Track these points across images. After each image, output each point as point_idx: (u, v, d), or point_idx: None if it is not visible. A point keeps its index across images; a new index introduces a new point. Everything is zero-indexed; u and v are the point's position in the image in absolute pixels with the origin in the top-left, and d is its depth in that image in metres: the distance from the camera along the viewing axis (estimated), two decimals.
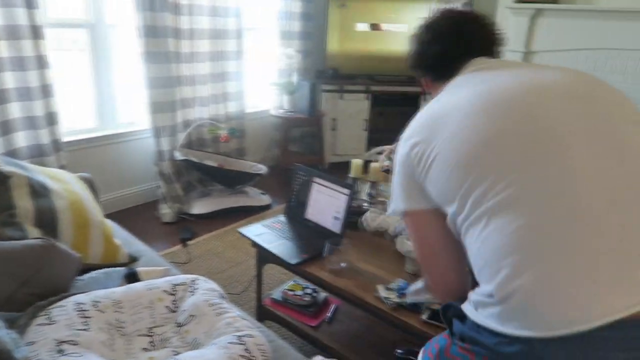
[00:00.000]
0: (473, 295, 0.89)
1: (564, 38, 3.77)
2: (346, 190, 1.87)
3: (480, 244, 0.84)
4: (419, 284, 1.52)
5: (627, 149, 0.80)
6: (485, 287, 0.84)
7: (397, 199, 1.04)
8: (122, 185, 3.34)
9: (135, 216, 3.25)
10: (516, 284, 0.77)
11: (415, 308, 1.47)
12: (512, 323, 0.78)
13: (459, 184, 0.87)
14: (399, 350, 1.73)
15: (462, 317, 0.91)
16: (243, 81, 3.79)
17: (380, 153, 3.62)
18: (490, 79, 0.94)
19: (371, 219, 1.97)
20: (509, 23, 4.05)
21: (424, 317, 1.42)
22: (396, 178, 1.03)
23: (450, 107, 0.93)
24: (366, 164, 2.24)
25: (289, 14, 4.06)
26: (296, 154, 4.46)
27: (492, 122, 0.85)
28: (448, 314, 0.98)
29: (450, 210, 0.92)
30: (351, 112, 4.40)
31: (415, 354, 1.69)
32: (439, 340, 1.02)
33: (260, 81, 4.27)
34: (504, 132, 0.84)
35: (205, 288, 1.24)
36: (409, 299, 1.48)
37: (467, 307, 0.91)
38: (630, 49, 3.42)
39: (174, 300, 1.23)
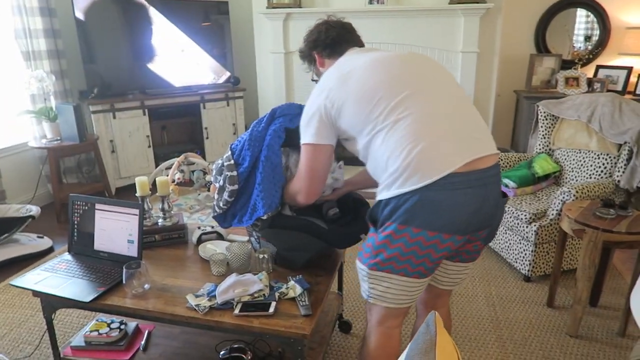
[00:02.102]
0: (383, 185, 1.32)
1: None
2: (135, 211, 1.79)
3: (387, 141, 1.29)
4: (226, 283, 1.57)
5: (453, 91, 1.41)
6: (393, 167, 1.28)
7: (308, 135, 1.44)
8: None
9: None
10: (413, 154, 1.25)
11: (227, 306, 1.51)
12: (411, 181, 1.25)
13: (367, 110, 1.33)
14: (222, 352, 1.75)
15: (376, 215, 1.36)
16: None
17: (169, 167, 3.54)
18: (374, 54, 1.45)
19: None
20: (267, 28, 4.38)
21: (236, 311, 1.48)
22: (310, 120, 1.43)
23: (352, 68, 1.40)
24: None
25: (28, 31, 3.57)
26: (75, 185, 3.99)
27: (382, 72, 1.37)
28: (373, 214, 1.38)
29: (361, 134, 1.36)
30: (130, 130, 4.14)
31: (238, 350, 1.74)
32: (368, 240, 1.40)
33: (8, 111, 3.66)
34: (391, 77, 1.35)
35: None
36: (219, 300, 1.52)
37: (382, 195, 1.33)
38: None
39: None
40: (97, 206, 1.84)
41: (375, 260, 1.35)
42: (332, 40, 1.56)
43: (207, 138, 4.56)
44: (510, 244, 2.71)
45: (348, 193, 1.85)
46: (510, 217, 2.66)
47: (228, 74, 4.65)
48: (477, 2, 3.97)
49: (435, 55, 4.17)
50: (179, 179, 3.49)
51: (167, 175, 3.27)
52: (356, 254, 2.98)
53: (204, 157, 4.49)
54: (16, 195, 3.71)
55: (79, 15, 3.81)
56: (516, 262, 2.67)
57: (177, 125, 4.72)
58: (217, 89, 4.57)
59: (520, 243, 2.62)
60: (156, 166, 4.25)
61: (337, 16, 1.65)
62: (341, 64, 1.46)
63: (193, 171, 3.79)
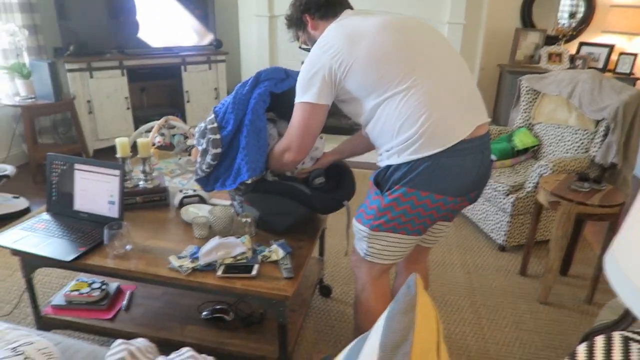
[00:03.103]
0: (393, 150, 1.36)
1: None
2: (116, 172, 1.76)
3: (401, 107, 1.32)
4: (209, 245, 1.58)
5: (455, 59, 1.45)
6: (406, 134, 1.32)
7: (309, 94, 1.41)
8: None
9: None
10: (429, 122, 1.30)
11: (209, 268, 1.52)
12: (426, 148, 1.31)
13: (381, 73, 1.33)
14: (204, 313, 1.77)
15: (383, 178, 1.41)
16: None
17: (149, 130, 3.48)
18: (381, 17, 1.42)
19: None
20: None
21: (219, 273, 1.49)
22: (312, 79, 1.40)
23: (362, 29, 1.38)
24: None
25: None
26: (51, 146, 3.88)
27: (396, 36, 1.37)
28: (379, 178, 1.44)
29: (369, 96, 1.37)
30: (108, 91, 4.02)
31: (220, 311, 1.77)
32: (372, 203, 1.44)
33: None
34: (404, 43, 1.37)
35: None
36: (202, 261, 1.53)
37: (391, 161, 1.38)
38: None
39: None
40: (77, 166, 1.81)
41: (378, 222, 1.41)
42: (325, 0, 1.52)
43: (188, 102, 4.47)
44: (487, 214, 2.78)
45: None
46: (489, 189, 2.71)
47: (211, 36, 4.52)
48: None
49: None
50: (159, 142, 3.43)
51: (148, 138, 3.21)
52: (337, 221, 3.01)
53: (184, 121, 4.41)
54: None
55: None
56: (492, 232, 2.75)
57: (157, 88, 4.60)
58: (199, 51, 4.45)
59: (497, 214, 2.69)
60: (135, 129, 4.16)
61: None
62: (345, 25, 1.43)
63: (174, 135, 3.72)
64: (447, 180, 1.33)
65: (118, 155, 1.97)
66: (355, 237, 1.53)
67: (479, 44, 4.29)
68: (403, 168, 1.35)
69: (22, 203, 3.02)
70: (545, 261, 2.57)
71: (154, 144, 3.28)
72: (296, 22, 1.60)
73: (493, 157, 2.86)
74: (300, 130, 1.47)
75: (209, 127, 1.71)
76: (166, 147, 3.67)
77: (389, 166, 1.39)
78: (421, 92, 1.32)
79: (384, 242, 1.44)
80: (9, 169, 2.95)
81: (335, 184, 1.82)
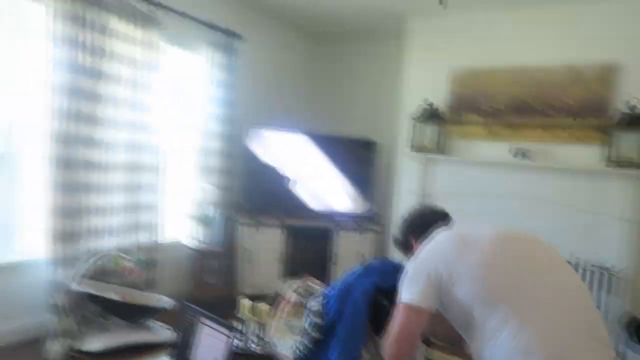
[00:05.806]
0: None
1: (452, 184, 4.28)
2: (226, 331, 1.88)
3: (516, 342, 1.23)
4: None
5: (573, 278, 1.37)
6: None
7: (410, 295, 1.39)
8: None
9: (15, 356, 2.96)
10: None
11: None
12: None
13: (490, 286, 1.30)
14: None
15: None
16: (158, 213, 3.86)
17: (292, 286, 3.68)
18: (496, 227, 1.45)
19: None
20: (409, 169, 4.56)
21: None
22: (417, 278, 1.39)
23: (475, 235, 1.40)
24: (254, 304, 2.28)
25: (208, 151, 4.32)
26: (211, 286, 4.39)
27: (505, 251, 1.36)
28: None
29: (478, 306, 1.30)
30: (267, 244, 4.52)
31: None
32: None
33: (177, 212, 4.35)
34: (519, 258, 1.35)
35: None
36: None
37: None
38: (500, 193, 3.98)
39: None
40: (201, 319, 1.97)
41: None
42: (429, 224, 1.58)
43: (335, 264, 4.69)
44: None
45: None
46: None
47: (366, 206, 4.85)
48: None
49: (582, 219, 3.78)
50: (294, 300, 3.58)
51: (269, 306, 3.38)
52: None
53: (328, 280, 4.57)
54: (164, 286, 4.16)
55: (249, 143, 4.52)
56: None
57: (308, 246, 4.96)
58: (354, 219, 4.77)
59: None
60: (283, 282, 4.46)
61: (431, 202, 1.67)
62: (456, 230, 1.45)
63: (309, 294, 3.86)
64: None
65: (239, 314, 2.14)
66: None
67: None
68: None
69: (169, 335, 3.35)
70: None
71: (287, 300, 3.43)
72: (404, 245, 1.72)
73: None
74: (396, 334, 1.43)
75: (313, 310, 1.77)
76: (300, 305, 3.79)
77: None
78: (538, 324, 1.23)
79: None
80: (169, 302, 3.39)
81: None
